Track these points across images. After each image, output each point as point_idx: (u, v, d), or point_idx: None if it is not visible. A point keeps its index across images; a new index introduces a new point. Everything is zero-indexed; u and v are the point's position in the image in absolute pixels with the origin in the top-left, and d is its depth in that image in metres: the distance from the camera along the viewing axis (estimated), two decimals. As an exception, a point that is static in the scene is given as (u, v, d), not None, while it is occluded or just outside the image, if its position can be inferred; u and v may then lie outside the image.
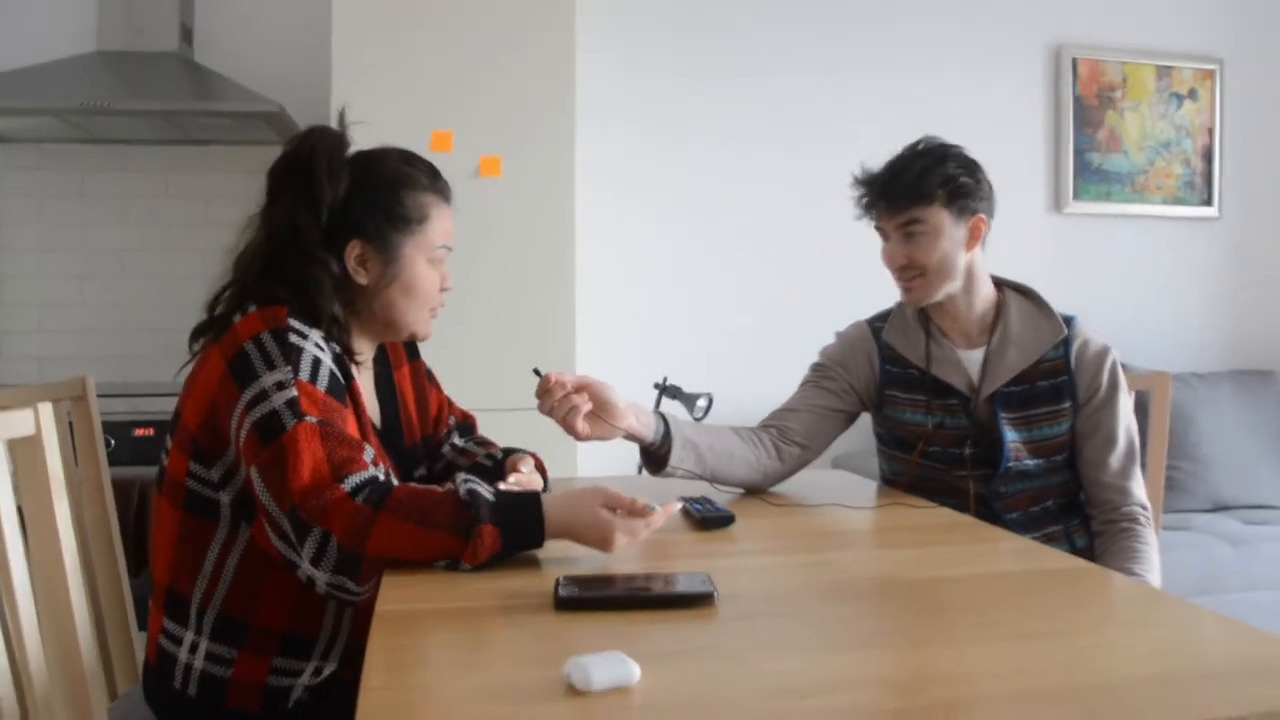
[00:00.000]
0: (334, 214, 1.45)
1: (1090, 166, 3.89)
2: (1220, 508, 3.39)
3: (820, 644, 1.01)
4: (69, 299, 3.27)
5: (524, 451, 1.69)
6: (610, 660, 0.84)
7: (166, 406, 2.60)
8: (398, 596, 1.13)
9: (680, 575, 1.16)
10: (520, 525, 1.27)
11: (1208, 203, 4.02)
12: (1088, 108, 3.88)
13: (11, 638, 1.10)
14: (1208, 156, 4.01)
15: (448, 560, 1.24)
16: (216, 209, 3.29)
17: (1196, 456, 3.41)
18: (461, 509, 1.24)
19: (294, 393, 1.27)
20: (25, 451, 1.18)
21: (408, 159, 1.53)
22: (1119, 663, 0.94)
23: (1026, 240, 3.75)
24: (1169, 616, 1.11)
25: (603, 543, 1.29)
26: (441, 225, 1.52)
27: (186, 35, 3.16)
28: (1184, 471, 3.38)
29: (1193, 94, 3.99)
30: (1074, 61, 3.86)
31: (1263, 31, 4.06)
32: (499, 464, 1.64)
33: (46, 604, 1.17)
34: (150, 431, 2.66)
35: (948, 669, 0.93)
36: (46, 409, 1.20)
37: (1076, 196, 3.87)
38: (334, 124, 1.51)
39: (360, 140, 1.52)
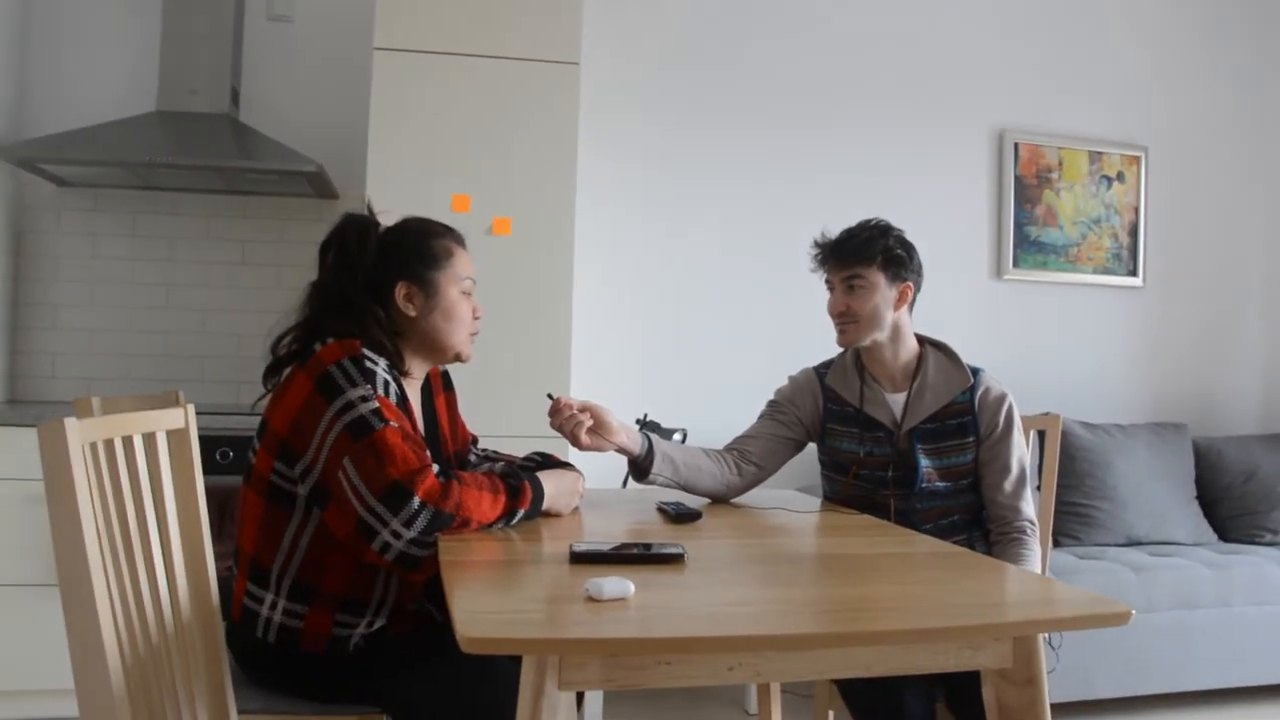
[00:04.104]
0: (374, 271, 1.84)
1: (1029, 239, 4.23)
2: (1133, 542, 3.70)
3: (760, 583, 1.41)
4: (118, 325, 3.55)
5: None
6: (615, 581, 1.24)
7: (209, 423, 2.96)
8: (456, 554, 1.49)
9: (659, 543, 1.55)
10: (535, 479, 1.79)
11: (1133, 273, 4.35)
12: (1027, 186, 4.23)
13: (168, 577, 1.48)
14: (1133, 232, 4.35)
15: (507, 515, 1.70)
16: (252, 251, 3.61)
17: (1114, 497, 3.73)
18: (506, 476, 1.74)
19: (376, 404, 1.63)
20: (176, 439, 1.56)
21: (424, 220, 1.95)
22: (956, 596, 1.35)
23: (970, 303, 4.09)
24: (1007, 576, 1.51)
25: (575, 481, 1.93)
26: (463, 261, 1.92)
27: (235, 98, 3.48)
28: (1103, 510, 3.70)
29: (1120, 176, 4.34)
30: (1015, 145, 4.21)
31: (1182, 123, 4.42)
32: (547, 461, 2.05)
33: (189, 554, 1.54)
34: (198, 444, 2.95)
35: (844, 595, 1.35)
36: (190, 409, 1.58)
37: (1016, 265, 4.21)
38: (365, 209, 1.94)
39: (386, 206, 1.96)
